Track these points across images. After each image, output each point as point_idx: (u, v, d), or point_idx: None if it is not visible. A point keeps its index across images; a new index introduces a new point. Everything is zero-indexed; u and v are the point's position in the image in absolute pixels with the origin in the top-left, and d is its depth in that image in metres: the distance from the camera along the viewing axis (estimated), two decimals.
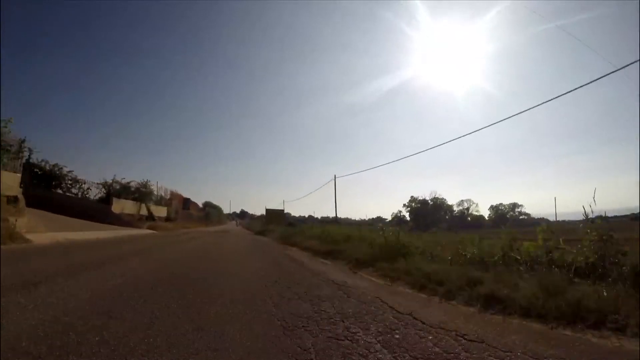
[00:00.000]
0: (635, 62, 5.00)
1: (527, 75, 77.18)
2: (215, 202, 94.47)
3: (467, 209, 71.03)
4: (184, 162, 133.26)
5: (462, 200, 71.43)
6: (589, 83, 6.35)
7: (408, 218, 63.29)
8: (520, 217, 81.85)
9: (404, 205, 65.90)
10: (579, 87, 6.48)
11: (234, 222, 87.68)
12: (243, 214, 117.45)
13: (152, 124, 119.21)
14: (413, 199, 64.37)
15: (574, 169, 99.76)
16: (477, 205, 73.31)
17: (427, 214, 60.36)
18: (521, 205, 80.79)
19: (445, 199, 66.72)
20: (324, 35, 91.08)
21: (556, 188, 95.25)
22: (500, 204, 77.96)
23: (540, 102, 7.54)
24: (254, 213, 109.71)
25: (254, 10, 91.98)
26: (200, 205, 65.63)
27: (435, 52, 50.71)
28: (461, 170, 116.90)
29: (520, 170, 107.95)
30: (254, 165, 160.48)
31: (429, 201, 62.90)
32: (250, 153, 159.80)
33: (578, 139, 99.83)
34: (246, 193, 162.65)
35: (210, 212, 64.87)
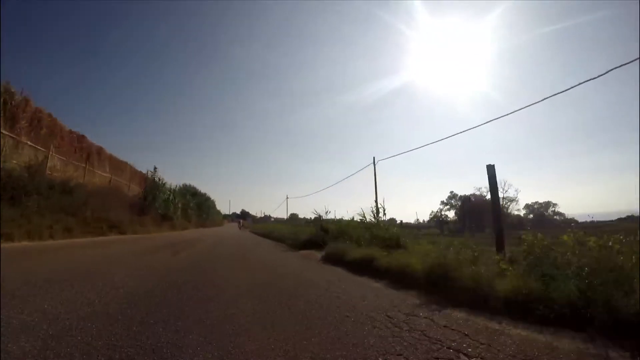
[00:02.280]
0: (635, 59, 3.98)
1: (530, 77, 69.03)
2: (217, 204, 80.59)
3: (507, 207, 62.47)
4: (184, 160, 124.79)
5: (501, 198, 62.24)
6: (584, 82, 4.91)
7: (449, 218, 53.67)
8: (555, 216, 73.60)
9: (442, 202, 55.97)
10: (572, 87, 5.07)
11: (234, 223, 75.13)
12: (244, 215, 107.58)
13: (154, 122, 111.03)
14: (453, 195, 54.90)
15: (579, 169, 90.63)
16: (517, 202, 64.75)
17: (478, 212, 50.62)
18: (555, 204, 72.22)
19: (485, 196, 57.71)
20: (325, 37, 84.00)
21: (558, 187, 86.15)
22: (536, 202, 69.47)
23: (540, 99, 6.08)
24: (256, 214, 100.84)
25: (255, 11, 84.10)
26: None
27: (435, 54, 44.68)
28: (463, 172, 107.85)
29: (523, 170, 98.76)
30: (255, 166, 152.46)
31: (471, 198, 53.32)
32: (251, 153, 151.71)
33: (582, 139, 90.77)
34: (246, 194, 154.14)
35: (162, 199, 23.85)
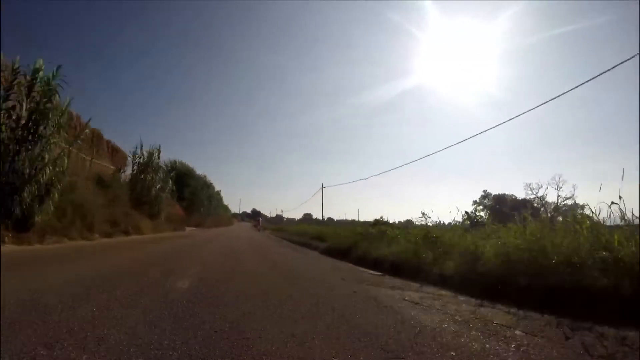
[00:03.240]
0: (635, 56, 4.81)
1: (542, 79, 65.08)
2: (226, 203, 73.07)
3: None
4: (194, 160, 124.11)
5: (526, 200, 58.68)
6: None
7: (483, 218, 50.09)
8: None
9: (475, 202, 51.64)
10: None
11: (245, 223, 72.32)
12: (255, 214, 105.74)
13: (162, 122, 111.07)
14: (486, 194, 51.06)
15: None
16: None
17: (511, 212, 46.48)
18: (582, 206, 67.90)
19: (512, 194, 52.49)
20: (335, 39, 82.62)
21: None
22: (565, 204, 65.45)
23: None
24: (270, 212, 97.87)
25: (265, 12, 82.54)
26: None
27: (445, 56, 43.98)
28: (471, 175, 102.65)
29: (532, 171, 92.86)
30: (265, 166, 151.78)
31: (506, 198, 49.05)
32: (262, 154, 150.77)
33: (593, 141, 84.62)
34: (256, 194, 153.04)
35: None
